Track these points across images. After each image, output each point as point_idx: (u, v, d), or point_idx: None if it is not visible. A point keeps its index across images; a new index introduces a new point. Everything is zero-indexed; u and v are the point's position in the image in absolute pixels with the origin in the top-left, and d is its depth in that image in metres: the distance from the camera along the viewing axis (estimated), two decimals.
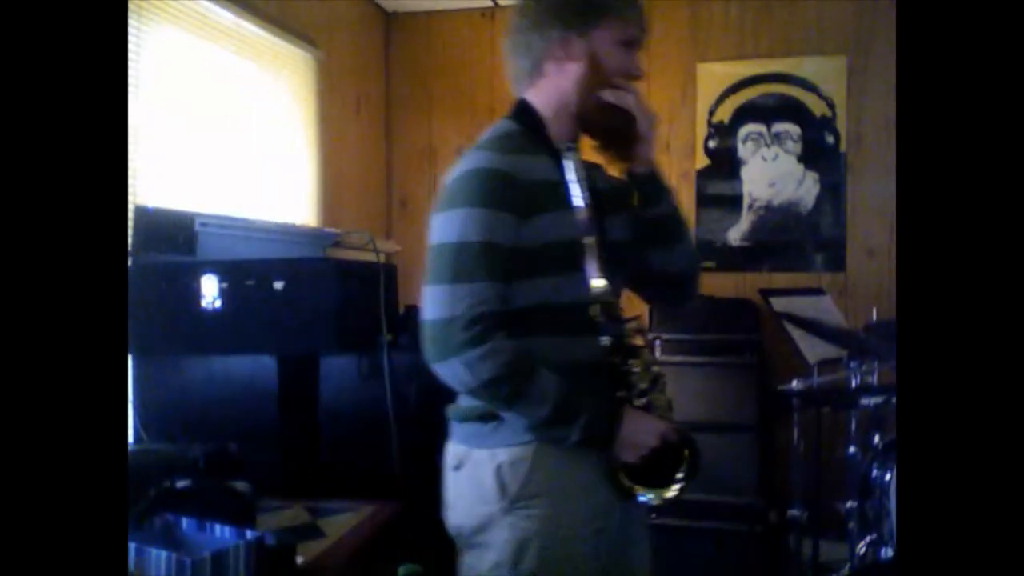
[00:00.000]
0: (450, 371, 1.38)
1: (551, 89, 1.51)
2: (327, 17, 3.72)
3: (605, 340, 1.44)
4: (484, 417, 1.44)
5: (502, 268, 1.38)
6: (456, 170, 1.44)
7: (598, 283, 1.44)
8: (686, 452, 1.46)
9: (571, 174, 1.46)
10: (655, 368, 1.49)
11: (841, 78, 3.78)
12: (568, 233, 1.43)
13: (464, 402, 1.49)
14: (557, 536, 1.41)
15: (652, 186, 1.56)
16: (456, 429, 1.51)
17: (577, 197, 1.45)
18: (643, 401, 1.46)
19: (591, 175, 1.53)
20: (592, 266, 1.44)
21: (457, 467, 1.48)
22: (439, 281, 1.38)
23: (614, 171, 1.63)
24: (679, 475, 1.46)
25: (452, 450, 1.51)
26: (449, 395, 1.53)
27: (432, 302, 1.38)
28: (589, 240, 1.44)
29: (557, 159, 1.47)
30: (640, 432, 1.42)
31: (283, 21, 3.33)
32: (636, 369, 1.46)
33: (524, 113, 1.52)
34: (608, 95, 1.50)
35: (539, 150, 1.47)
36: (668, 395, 1.49)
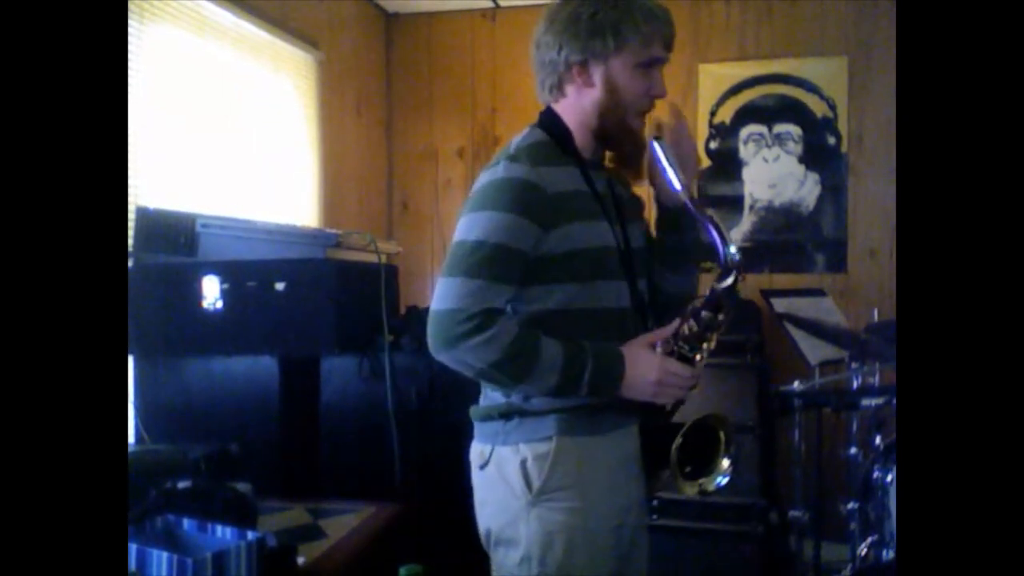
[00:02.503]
0: (454, 358, 1.40)
1: (573, 107, 1.53)
2: (328, 18, 3.72)
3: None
4: (505, 415, 1.47)
5: (514, 272, 1.42)
6: (486, 177, 1.47)
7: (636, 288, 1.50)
8: (722, 434, 1.47)
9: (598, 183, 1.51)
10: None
11: (842, 79, 3.78)
12: (597, 241, 1.47)
13: (484, 401, 1.52)
14: (583, 529, 1.43)
15: (681, 218, 1.57)
16: (479, 429, 1.53)
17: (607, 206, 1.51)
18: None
19: (611, 183, 1.57)
20: (623, 270, 1.48)
21: (483, 466, 1.50)
22: (450, 274, 1.41)
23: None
24: (724, 459, 1.47)
25: (477, 449, 1.53)
26: (459, 396, 1.54)
27: (441, 293, 1.41)
28: (613, 246, 1.48)
29: (583, 169, 1.51)
30: (641, 367, 1.43)
31: (284, 22, 3.34)
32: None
33: (552, 123, 1.54)
34: (665, 134, 1.53)
35: (567, 160, 1.50)
36: None
